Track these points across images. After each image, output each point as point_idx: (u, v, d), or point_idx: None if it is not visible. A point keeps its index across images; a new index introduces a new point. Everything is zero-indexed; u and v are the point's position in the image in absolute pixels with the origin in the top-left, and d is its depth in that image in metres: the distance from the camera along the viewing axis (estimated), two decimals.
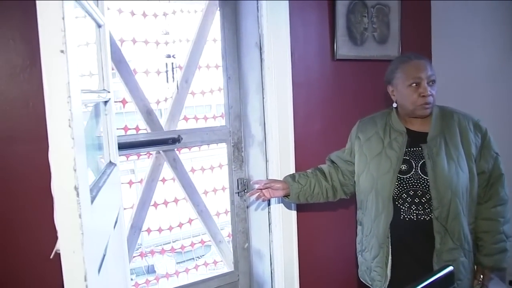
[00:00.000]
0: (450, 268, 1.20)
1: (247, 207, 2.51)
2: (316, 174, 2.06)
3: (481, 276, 1.88)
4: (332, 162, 2.10)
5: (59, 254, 0.92)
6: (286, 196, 2.02)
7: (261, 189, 1.99)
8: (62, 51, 0.86)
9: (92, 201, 1.05)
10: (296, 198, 2.02)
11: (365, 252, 1.95)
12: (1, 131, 1.65)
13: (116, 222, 1.54)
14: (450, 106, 1.95)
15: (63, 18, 0.85)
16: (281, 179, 2.04)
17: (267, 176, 2.32)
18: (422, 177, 1.79)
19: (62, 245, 0.91)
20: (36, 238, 1.67)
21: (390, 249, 1.84)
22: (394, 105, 1.91)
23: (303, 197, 2.03)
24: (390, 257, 1.84)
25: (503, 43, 2.54)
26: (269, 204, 2.35)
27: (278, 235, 2.32)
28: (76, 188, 0.89)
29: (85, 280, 0.91)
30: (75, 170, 0.88)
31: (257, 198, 2.02)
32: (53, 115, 0.87)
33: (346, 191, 2.08)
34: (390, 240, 1.83)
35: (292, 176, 2.04)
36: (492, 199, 1.87)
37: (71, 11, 0.93)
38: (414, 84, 1.78)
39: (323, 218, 2.45)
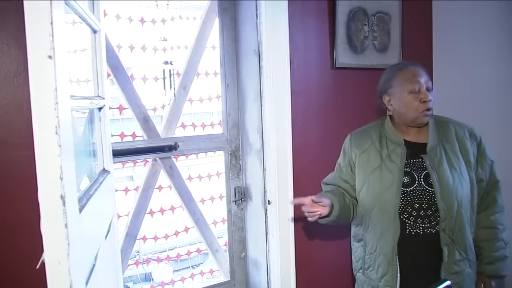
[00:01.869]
0: (448, 282, 1.18)
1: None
2: (341, 194, 1.91)
3: (482, 285, 1.87)
4: (334, 185, 1.99)
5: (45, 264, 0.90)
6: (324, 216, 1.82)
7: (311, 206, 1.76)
8: (50, 57, 0.84)
9: (80, 210, 1.03)
10: (335, 217, 1.83)
11: (369, 271, 1.87)
12: None
13: (108, 231, 1.51)
14: (443, 116, 1.94)
15: (51, 23, 0.83)
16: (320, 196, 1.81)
17: (264, 185, 2.29)
18: (427, 189, 1.75)
19: (47, 255, 0.88)
20: (25, 247, 1.63)
21: (398, 266, 1.78)
22: (389, 112, 1.88)
23: (341, 217, 1.86)
24: (398, 275, 1.78)
25: (506, 53, 2.52)
26: (266, 213, 2.32)
27: (275, 245, 2.29)
28: (62, 197, 0.87)
29: None
30: (61, 179, 0.86)
31: (312, 216, 1.78)
32: (39, 121, 0.86)
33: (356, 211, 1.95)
34: (397, 256, 1.78)
35: (329, 192, 1.89)
36: (490, 207, 1.86)
37: (61, 16, 0.91)
38: (414, 90, 1.76)
39: (321, 229, 2.40)
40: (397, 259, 1.78)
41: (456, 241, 1.73)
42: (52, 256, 0.88)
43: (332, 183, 2.02)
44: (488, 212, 1.86)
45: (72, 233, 0.89)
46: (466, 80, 2.73)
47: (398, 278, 1.78)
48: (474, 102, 2.68)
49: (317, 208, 1.76)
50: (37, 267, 1.00)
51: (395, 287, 1.78)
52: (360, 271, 1.94)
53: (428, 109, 1.76)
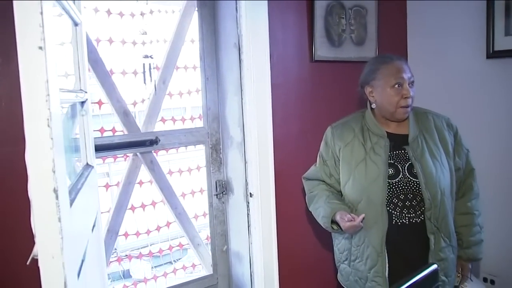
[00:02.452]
0: (434, 266, 1.21)
1: None
2: (336, 194, 1.96)
3: (460, 268, 1.95)
4: (318, 180, 2.03)
5: (36, 260, 0.88)
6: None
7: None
8: (40, 48, 0.82)
9: (71, 204, 1.02)
10: None
11: (357, 262, 1.89)
12: None
13: (94, 226, 1.49)
14: (421, 107, 1.98)
15: (41, 13, 0.82)
16: (341, 211, 1.82)
17: (246, 178, 2.30)
18: (411, 179, 1.79)
19: (40, 250, 0.87)
20: (12, 243, 1.60)
21: (386, 257, 1.82)
22: (373, 105, 1.90)
23: None
24: (387, 265, 1.82)
25: (477, 47, 2.59)
26: (248, 206, 2.32)
27: (258, 237, 2.30)
28: (55, 191, 0.85)
29: (65, 286, 0.87)
30: (54, 172, 0.85)
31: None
32: (31, 114, 0.84)
33: None
34: (385, 247, 1.81)
35: (338, 202, 1.89)
36: (467, 194, 1.94)
37: (49, 7, 0.90)
38: (397, 85, 1.78)
39: (302, 220, 2.44)
40: (385, 250, 1.81)
41: (440, 229, 1.79)
42: (46, 251, 0.87)
43: (314, 178, 2.04)
44: (465, 199, 1.93)
45: (64, 227, 0.88)
46: (440, 72, 2.79)
47: (387, 268, 1.82)
48: (448, 94, 2.75)
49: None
50: (28, 263, 0.98)
51: (384, 277, 1.81)
52: (345, 262, 1.95)
53: (408, 106, 1.80)
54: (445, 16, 2.75)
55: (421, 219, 1.79)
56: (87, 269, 1.27)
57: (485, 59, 2.58)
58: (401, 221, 1.79)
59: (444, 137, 1.88)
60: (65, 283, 0.87)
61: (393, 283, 1.79)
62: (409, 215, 1.79)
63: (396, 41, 2.91)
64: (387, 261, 1.82)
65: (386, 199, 1.80)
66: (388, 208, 1.80)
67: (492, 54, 2.54)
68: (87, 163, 1.58)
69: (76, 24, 1.52)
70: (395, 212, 1.79)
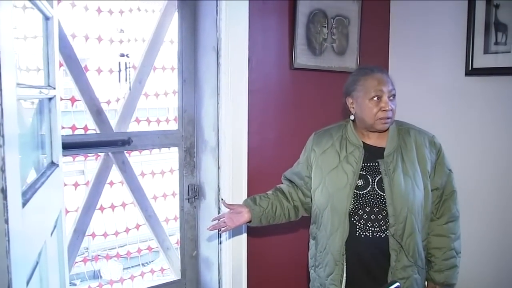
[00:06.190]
0: (397, 284, 1.20)
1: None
2: (277, 195, 2.00)
3: None
4: (290, 181, 2.05)
5: None
6: (248, 221, 1.96)
7: (219, 219, 1.96)
8: None
9: (24, 205, 0.97)
10: (258, 221, 1.94)
11: (319, 269, 1.90)
12: None
13: (55, 227, 1.45)
14: (406, 122, 1.95)
15: None
16: (242, 204, 1.98)
17: (218, 183, 2.27)
18: (379, 193, 1.77)
19: None
20: None
21: (345, 267, 1.81)
22: (352, 117, 1.89)
23: (266, 220, 1.96)
24: (344, 275, 1.81)
25: (457, 63, 2.61)
26: (219, 212, 2.29)
27: (228, 244, 2.27)
28: (3, 191, 0.81)
29: None
30: (3, 171, 0.81)
31: (221, 230, 2.02)
32: None
33: (307, 209, 2.03)
34: (345, 257, 1.80)
35: (253, 199, 1.96)
36: (444, 215, 1.88)
37: None
38: (376, 98, 1.75)
39: (274, 228, 2.41)
40: (345, 260, 1.80)
41: (405, 247, 1.76)
42: None
43: (289, 178, 2.06)
44: (441, 220, 1.88)
45: (13, 229, 0.84)
46: (419, 87, 2.81)
47: (344, 278, 1.81)
48: (427, 108, 2.76)
49: (226, 221, 1.94)
50: None
51: (340, 286, 1.81)
52: (313, 268, 1.96)
53: (387, 118, 1.77)
54: (426, 32, 2.78)
55: (386, 234, 1.77)
56: (43, 271, 1.23)
57: (464, 75, 2.60)
58: (364, 233, 1.78)
59: (423, 155, 1.84)
60: (9, 286, 0.83)
61: None
62: (373, 229, 1.77)
63: (378, 53, 2.91)
64: (345, 270, 1.81)
65: (352, 210, 1.79)
66: (352, 219, 1.79)
67: (471, 71, 2.57)
68: (52, 161, 1.53)
69: (47, 18, 1.48)
70: (359, 224, 1.78)
